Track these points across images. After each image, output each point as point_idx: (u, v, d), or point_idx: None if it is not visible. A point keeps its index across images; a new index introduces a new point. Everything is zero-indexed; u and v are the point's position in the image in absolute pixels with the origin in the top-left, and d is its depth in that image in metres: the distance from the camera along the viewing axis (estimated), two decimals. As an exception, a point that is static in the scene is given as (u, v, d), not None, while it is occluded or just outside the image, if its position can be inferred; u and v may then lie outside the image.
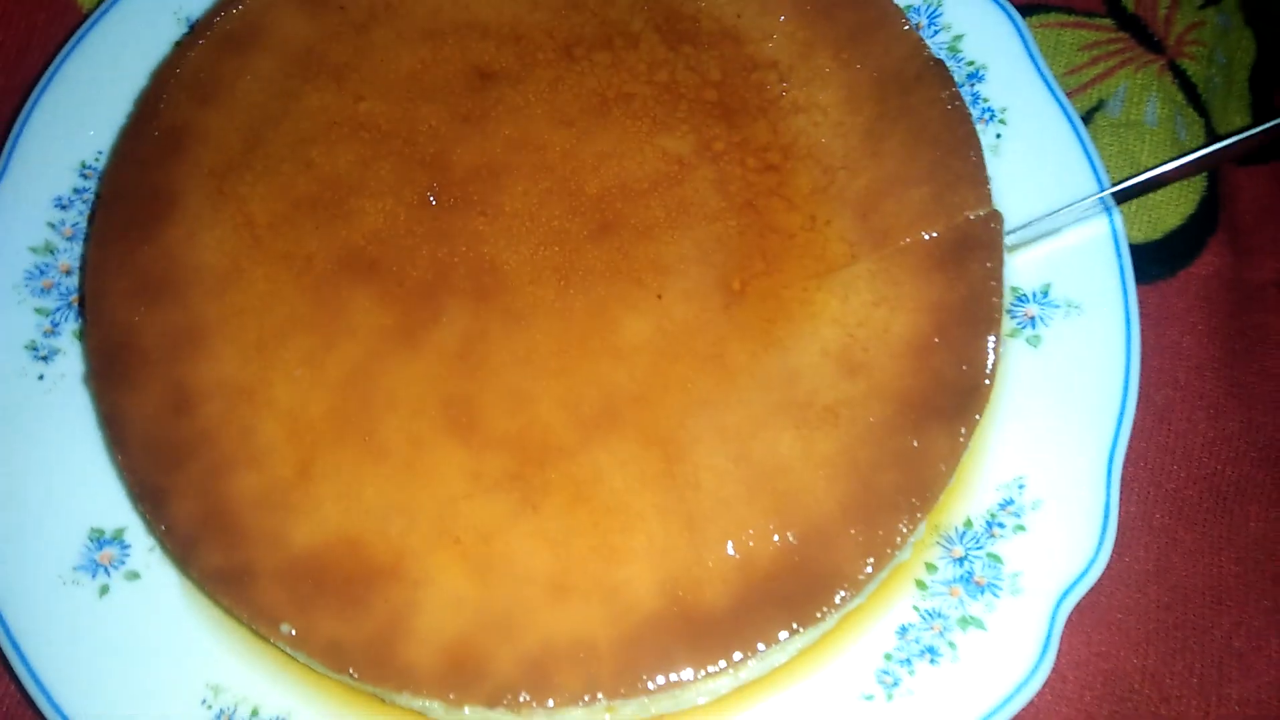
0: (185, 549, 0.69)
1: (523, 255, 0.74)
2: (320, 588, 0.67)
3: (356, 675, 0.66)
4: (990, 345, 0.69)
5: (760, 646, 0.65)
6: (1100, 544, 0.74)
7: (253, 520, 0.69)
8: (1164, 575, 0.83)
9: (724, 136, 0.77)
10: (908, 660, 0.74)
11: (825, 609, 0.66)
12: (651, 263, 0.74)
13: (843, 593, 0.66)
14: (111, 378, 0.73)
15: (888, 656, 0.74)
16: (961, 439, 0.67)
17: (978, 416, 0.68)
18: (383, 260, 0.74)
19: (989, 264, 0.70)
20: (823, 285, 0.73)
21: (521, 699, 0.65)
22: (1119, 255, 0.79)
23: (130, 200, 0.77)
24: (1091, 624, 0.81)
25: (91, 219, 0.82)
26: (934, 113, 0.74)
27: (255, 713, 0.74)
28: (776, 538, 0.67)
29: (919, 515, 0.67)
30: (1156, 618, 0.81)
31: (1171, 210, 0.90)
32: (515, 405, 0.71)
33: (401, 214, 0.75)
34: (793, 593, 0.66)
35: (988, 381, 0.69)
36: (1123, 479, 0.79)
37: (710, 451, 0.69)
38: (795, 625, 0.65)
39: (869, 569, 0.66)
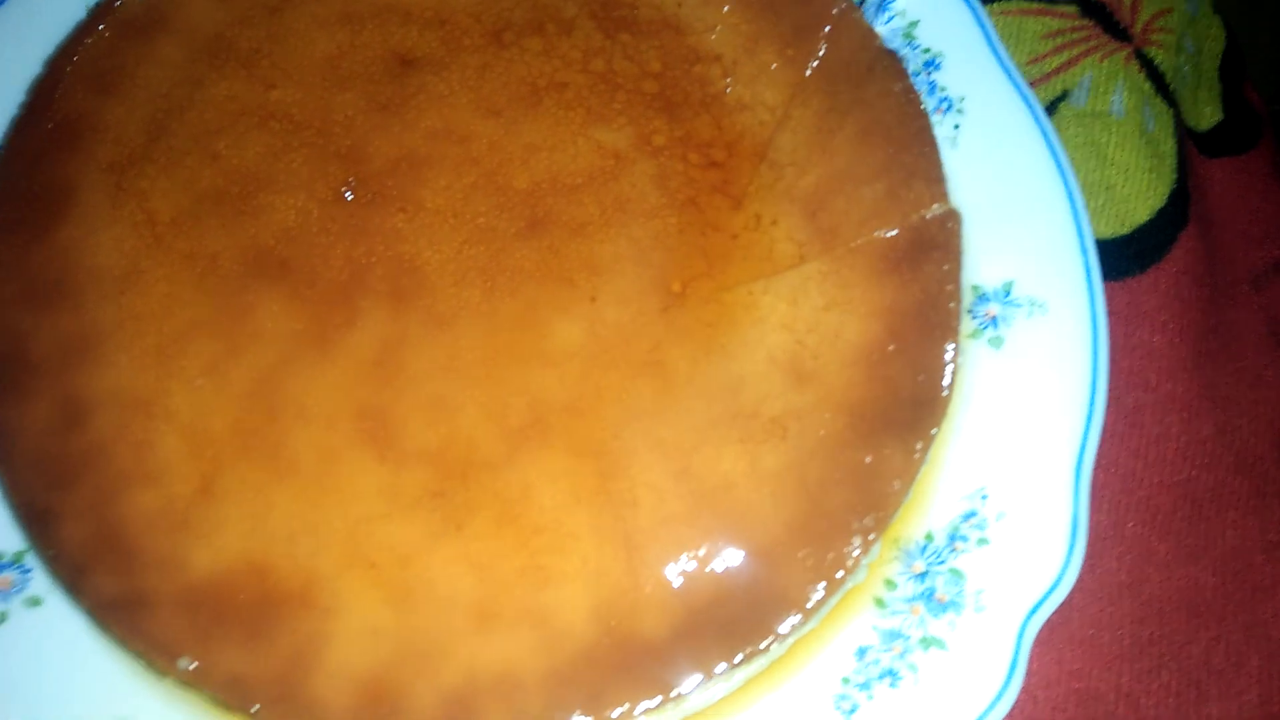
0: (75, 576, 0.63)
1: (445, 254, 0.69)
2: (222, 617, 0.62)
3: (260, 713, 0.60)
4: (948, 354, 0.64)
5: (699, 680, 0.60)
6: (1068, 557, 0.69)
7: (149, 543, 0.63)
8: (1138, 588, 0.78)
9: (664, 130, 0.72)
10: (866, 684, 0.69)
11: (770, 639, 0.60)
12: (585, 262, 0.68)
13: (790, 621, 0.60)
14: (-3, 390, 0.67)
15: (845, 680, 0.69)
16: (917, 455, 0.62)
17: (934, 430, 0.63)
18: (293, 260, 0.69)
19: (945, 266, 0.65)
20: (769, 288, 0.68)
21: (441, 742, 0.59)
22: (1084, 250, 0.74)
23: (21, 198, 0.71)
24: (1063, 641, 0.76)
25: (-22, 218, 0.76)
26: (887, 105, 0.70)
27: (162, 753, 0.68)
28: (719, 561, 0.62)
29: (871, 537, 0.61)
30: (1131, 633, 0.77)
31: (1140, 204, 0.86)
32: (436, 416, 0.66)
33: (314, 210, 0.70)
34: (735, 621, 0.61)
35: (945, 392, 0.64)
36: (1092, 487, 0.74)
37: (648, 467, 0.64)
38: (738, 657, 0.60)
39: (818, 595, 0.61)
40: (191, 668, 0.61)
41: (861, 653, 0.70)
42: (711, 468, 0.64)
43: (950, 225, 0.66)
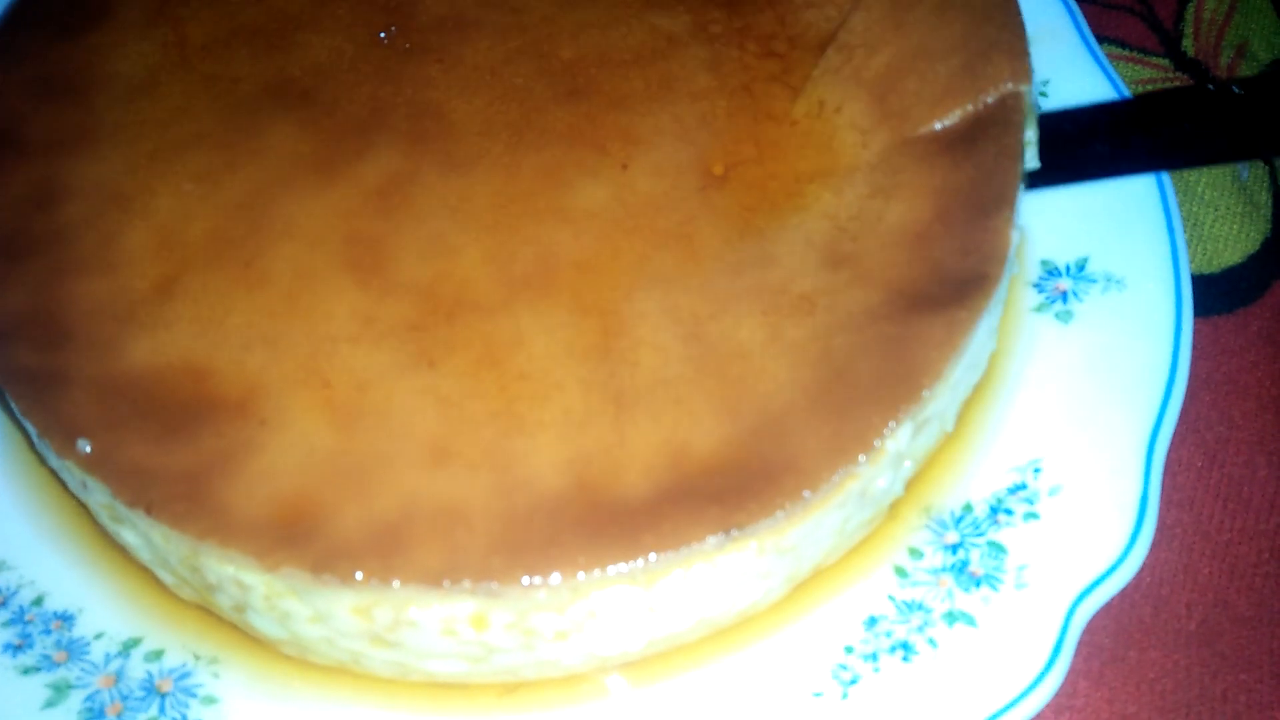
0: (-4, 342, 0.56)
1: (475, 106, 0.64)
2: (141, 409, 0.54)
3: (154, 510, 0.51)
4: (1002, 227, 0.56)
5: (681, 549, 0.50)
6: (1135, 534, 0.58)
7: (85, 326, 0.57)
8: (1211, 640, 0.66)
9: (723, 20, 0.67)
10: (874, 655, 0.57)
11: (772, 510, 0.50)
12: (621, 132, 0.63)
13: (798, 493, 0.50)
14: (-24, 155, 0.63)
15: (849, 649, 0.58)
16: (961, 323, 0.54)
17: (984, 301, 0.54)
18: (316, 91, 0.64)
19: (1005, 140, 0.58)
20: (817, 178, 0.61)
21: (358, 575, 0.49)
22: (1170, 225, 0.67)
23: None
24: (1116, 679, 0.64)
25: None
26: None
27: (39, 601, 0.59)
28: (721, 426, 0.53)
29: (901, 409, 0.52)
30: (1200, 685, 0.64)
31: (1230, 246, 0.79)
32: (432, 252, 0.59)
33: (348, 50, 0.66)
34: (732, 488, 0.51)
35: (999, 265, 0.55)
36: (1163, 523, 0.64)
37: (657, 329, 0.56)
38: (730, 528, 0.50)
39: (834, 468, 0.51)
40: (87, 451, 0.52)
41: (872, 622, 0.59)
42: (727, 335, 0.56)
43: (1011, 102, 0.59)
